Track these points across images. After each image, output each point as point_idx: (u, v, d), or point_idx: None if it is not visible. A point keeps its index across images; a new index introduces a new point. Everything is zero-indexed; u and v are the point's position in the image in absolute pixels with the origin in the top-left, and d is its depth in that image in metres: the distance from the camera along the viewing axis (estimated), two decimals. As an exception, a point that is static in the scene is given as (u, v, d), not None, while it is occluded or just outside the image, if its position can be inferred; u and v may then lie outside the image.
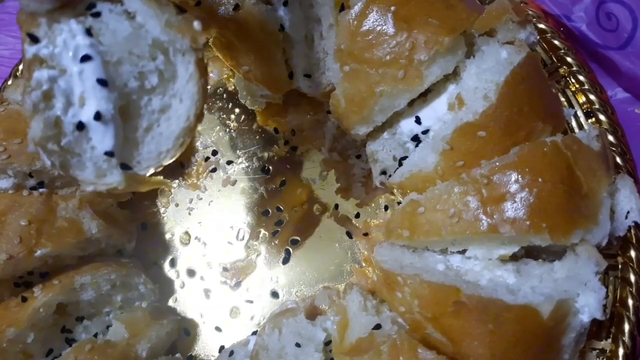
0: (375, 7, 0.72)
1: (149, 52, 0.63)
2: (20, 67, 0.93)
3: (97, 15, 0.62)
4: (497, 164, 0.65)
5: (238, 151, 0.91)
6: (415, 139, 0.77)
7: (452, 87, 0.74)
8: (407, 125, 0.78)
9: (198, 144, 0.91)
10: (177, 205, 0.89)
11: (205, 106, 0.98)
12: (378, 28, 0.72)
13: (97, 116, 0.61)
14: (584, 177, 0.65)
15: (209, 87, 0.93)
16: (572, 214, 0.64)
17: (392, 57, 0.71)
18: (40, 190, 0.77)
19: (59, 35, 0.61)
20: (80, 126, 0.62)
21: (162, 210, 0.89)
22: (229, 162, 0.90)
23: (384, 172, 0.81)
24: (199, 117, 0.66)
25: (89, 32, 0.61)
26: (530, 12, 0.83)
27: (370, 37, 0.72)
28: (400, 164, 0.79)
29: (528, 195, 0.63)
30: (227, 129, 0.92)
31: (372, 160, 0.82)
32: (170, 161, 0.67)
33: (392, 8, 0.71)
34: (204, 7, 0.78)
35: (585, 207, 0.65)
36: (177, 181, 0.90)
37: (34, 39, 0.62)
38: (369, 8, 0.72)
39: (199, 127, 0.94)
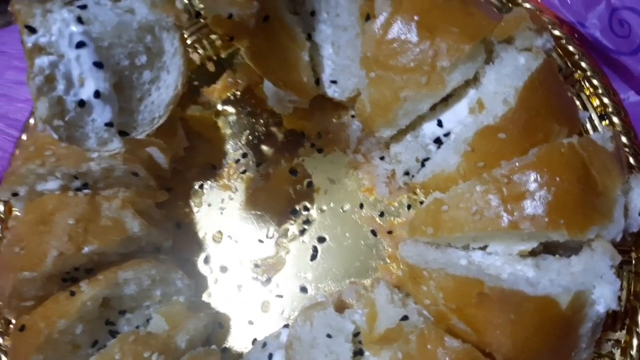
0: (399, 17, 0.76)
1: (136, 35, 0.70)
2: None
3: (83, 7, 0.68)
4: (517, 164, 0.70)
5: (267, 153, 0.95)
6: (438, 141, 0.81)
7: (473, 92, 0.78)
8: (430, 128, 0.82)
9: (229, 147, 0.96)
10: (209, 205, 0.94)
11: (234, 110, 1.04)
12: (402, 36, 0.76)
13: (97, 94, 0.68)
14: (599, 176, 0.69)
15: (238, 92, 0.98)
16: (588, 211, 0.68)
17: (415, 64, 0.75)
18: (85, 191, 0.82)
19: (54, 25, 0.67)
20: (82, 103, 0.69)
21: (195, 210, 0.94)
22: (259, 164, 0.94)
23: (407, 173, 0.85)
24: (185, 86, 0.75)
25: (80, 20, 0.67)
26: (546, 20, 0.87)
27: (395, 45, 0.76)
28: (423, 165, 0.83)
29: (546, 193, 0.67)
30: (256, 133, 0.96)
31: (395, 161, 0.86)
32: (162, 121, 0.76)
33: (416, 17, 0.75)
34: (236, 20, 0.82)
35: (600, 204, 0.69)
36: (209, 182, 0.95)
37: (31, 30, 0.68)
38: (394, 18, 0.76)
39: (230, 131, 1.00)
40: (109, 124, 0.70)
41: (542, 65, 0.74)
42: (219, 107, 0.98)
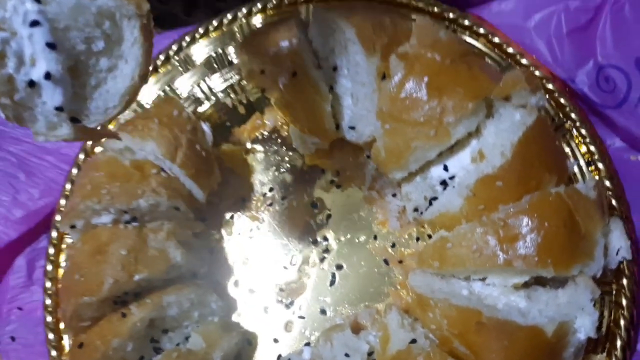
0: (412, 78, 0.87)
1: (94, 20, 0.68)
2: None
3: None
4: (512, 209, 0.80)
5: (291, 188, 1.06)
6: (444, 184, 0.92)
7: (475, 143, 0.89)
8: (437, 172, 0.93)
9: (257, 181, 1.07)
10: (239, 234, 1.05)
11: (262, 149, 1.15)
12: (414, 95, 0.87)
13: (47, 76, 0.65)
14: (582, 222, 0.80)
15: (266, 132, 1.09)
16: (573, 252, 0.79)
17: (425, 119, 0.86)
18: (133, 224, 0.94)
19: (9, 1, 0.65)
20: (32, 84, 0.66)
21: (226, 238, 1.05)
22: (284, 198, 1.06)
23: (416, 210, 0.96)
24: (143, 78, 0.70)
25: None
26: (540, 76, 0.98)
27: (407, 102, 0.87)
28: (430, 204, 0.94)
29: (536, 236, 0.78)
30: (282, 169, 1.07)
31: (406, 199, 0.97)
32: (116, 115, 0.72)
33: (426, 79, 0.86)
34: (267, 75, 0.94)
35: (583, 245, 0.80)
36: (239, 213, 1.06)
37: None
38: (407, 78, 0.87)
39: (258, 167, 1.10)
40: (59, 108, 0.67)
41: (535, 121, 0.85)
42: (249, 145, 1.09)
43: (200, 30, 1.09)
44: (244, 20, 1.09)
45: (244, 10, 1.09)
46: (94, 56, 0.70)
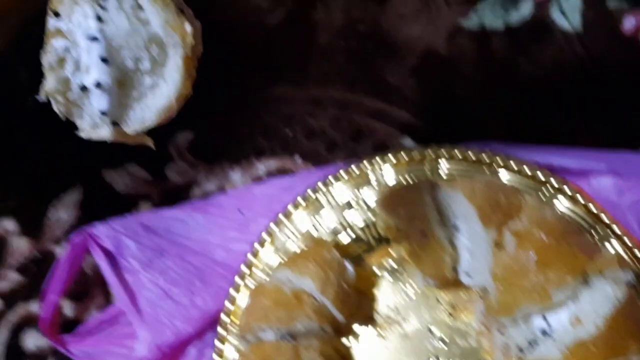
0: (522, 251, 1.09)
1: (144, 44, 0.78)
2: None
3: (105, 9, 0.77)
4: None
5: (411, 312, 1.29)
6: (544, 333, 1.13)
7: (573, 307, 1.09)
8: (538, 322, 1.13)
9: (382, 303, 1.30)
10: (367, 347, 1.29)
11: (388, 275, 1.38)
12: (524, 266, 1.09)
13: (97, 84, 0.77)
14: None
15: (392, 261, 1.32)
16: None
17: (532, 286, 1.08)
18: (291, 341, 1.20)
19: (76, 16, 0.76)
20: (84, 88, 0.78)
21: (354, 350, 1.30)
22: (405, 320, 1.28)
23: (520, 350, 1.17)
24: (179, 100, 0.81)
25: (99, 18, 0.76)
26: (629, 262, 1.17)
27: (518, 271, 1.09)
28: (532, 347, 1.15)
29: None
30: (404, 295, 1.30)
31: (511, 339, 1.18)
32: (151, 126, 0.82)
33: (534, 254, 1.08)
34: (401, 231, 1.18)
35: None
36: (368, 329, 1.30)
37: (57, 15, 0.77)
38: (519, 252, 1.09)
39: (383, 289, 1.30)
40: (103, 112, 0.78)
41: (626, 296, 1.04)
42: (377, 271, 1.33)
43: (342, 173, 1.34)
44: (378, 168, 1.34)
45: (378, 159, 1.33)
46: (140, 73, 0.80)
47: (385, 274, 1.32)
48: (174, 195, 1.46)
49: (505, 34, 1.43)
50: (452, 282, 1.22)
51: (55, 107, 0.78)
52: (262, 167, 1.45)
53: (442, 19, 1.46)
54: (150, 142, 0.90)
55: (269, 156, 1.45)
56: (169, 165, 1.48)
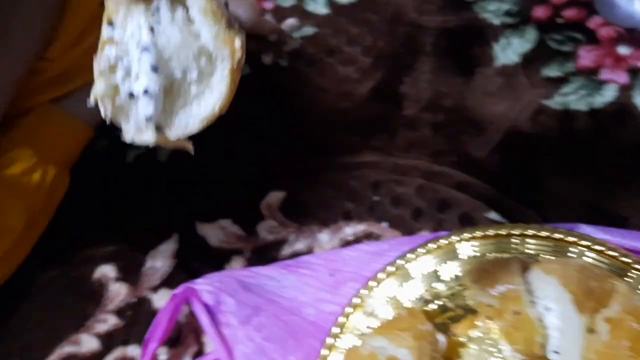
0: (615, 339, 1.15)
1: (194, 56, 0.80)
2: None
3: (158, 21, 0.79)
4: None
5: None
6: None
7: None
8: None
9: (467, 373, 1.37)
10: (451, 414, 1.35)
11: (474, 345, 1.44)
12: (616, 351, 1.15)
13: (145, 92, 0.78)
14: None
15: (478, 332, 1.39)
16: None
17: (624, 370, 1.14)
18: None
19: (130, 26, 0.78)
20: (131, 95, 0.79)
21: (441, 415, 1.36)
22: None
23: None
24: (222, 109, 0.81)
25: (152, 30, 0.78)
26: None
27: (611, 356, 1.15)
28: None
29: None
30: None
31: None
32: (193, 133, 0.82)
33: (626, 343, 1.14)
34: (494, 309, 1.25)
35: None
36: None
37: (111, 24, 0.79)
38: (611, 339, 1.15)
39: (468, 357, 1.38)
40: (148, 118, 0.79)
41: None
42: (462, 339, 1.39)
43: (431, 245, 1.42)
44: (465, 241, 1.41)
45: (466, 233, 1.41)
46: (187, 83, 0.81)
47: (472, 344, 1.39)
48: (265, 252, 1.55)
49: (588, 116, 1.51)
50: (539, 358, 1.28)
51: (102, 112, 0.80)
52: (349, 230, 1.53)
53: (527, 98, 1.54)
54: (190, 148, 0.88)
55: (356, 220, 1.54)
56: (260, 223, 1.57)
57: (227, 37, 0.79)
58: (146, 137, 0.80)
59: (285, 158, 1.62)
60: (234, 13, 1.57)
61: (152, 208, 1.63)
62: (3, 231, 1.46)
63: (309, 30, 1.76)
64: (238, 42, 0.80)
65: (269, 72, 1.73)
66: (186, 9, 0.82)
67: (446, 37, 1.63)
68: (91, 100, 0.79)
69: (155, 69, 0.78)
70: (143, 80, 0.78)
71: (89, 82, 1.30)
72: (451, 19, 1.65)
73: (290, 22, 1.79)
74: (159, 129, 0.81)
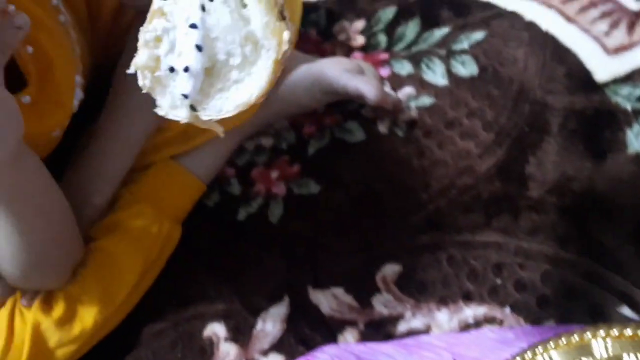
0: None
1: (240, 41, 0.77)
2: None
3: (211, 0, 0.76)
4: None
5: None
6: None
7: None
8: None
9: None
10: None
11: None
12: None
13: (186, 69, 0.77)
14: None
15: None
16: None
17: None
18: None
19: (182, 1, 0.76)
20: (172, 69, 0.78)
21: None
22: None
23: None
24: (259, 98, 0.78)
25: (203, 8, 0.75)
26: None
27: None
28: None
29: None
30: None
31: None
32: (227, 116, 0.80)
33: None
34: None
35: None
36: None
37: None
38: None
39: None
40: (185, 95, 0.77)
41: None
42: None
43: (563, 340, 1.35)
44: (601, 339, 1.35)
45: (602, 331, 1.34)
46: (229, 67, 0.78)
47: None
48: (380, 326, 1.51)
49: None
50: None
51: (140, 81, 0.79)
52: (469, 312, 1.48)
53: (663, 188, 1.49)
54: (220, 130, 0.86)
55: (477, 302, 1.48)
56: (375, 295, 1.53)
57: (277, 28, 0.76)
58: (180, 113, 0.79)
59: (402, 230, 1.58)
60: (358, 90, 1.58)
61: (263, 269, 1.61)
62: (122, 283, 1.46)
63: (426, 100, 1.75)
64: (287, 35, 0.77)
65: (385, 141, 1.72)
66: None
67: (574, 119, 1.60)
68: (131, 69, 0.79)
69: (200, 48, 0.76)
70: (186, 57, 0.77)
71: (206, 141, 1.28)
72: (580, 100, 1.62)
73: (406, 90, 1.78)
74: (192, 107, 0.79)
